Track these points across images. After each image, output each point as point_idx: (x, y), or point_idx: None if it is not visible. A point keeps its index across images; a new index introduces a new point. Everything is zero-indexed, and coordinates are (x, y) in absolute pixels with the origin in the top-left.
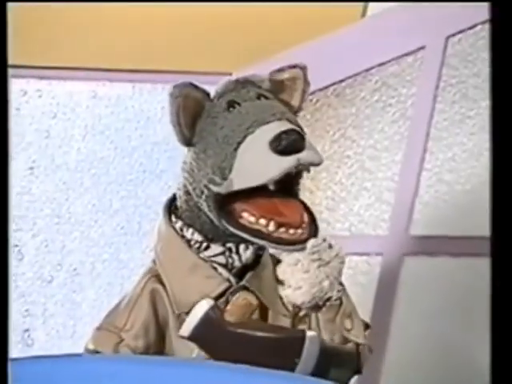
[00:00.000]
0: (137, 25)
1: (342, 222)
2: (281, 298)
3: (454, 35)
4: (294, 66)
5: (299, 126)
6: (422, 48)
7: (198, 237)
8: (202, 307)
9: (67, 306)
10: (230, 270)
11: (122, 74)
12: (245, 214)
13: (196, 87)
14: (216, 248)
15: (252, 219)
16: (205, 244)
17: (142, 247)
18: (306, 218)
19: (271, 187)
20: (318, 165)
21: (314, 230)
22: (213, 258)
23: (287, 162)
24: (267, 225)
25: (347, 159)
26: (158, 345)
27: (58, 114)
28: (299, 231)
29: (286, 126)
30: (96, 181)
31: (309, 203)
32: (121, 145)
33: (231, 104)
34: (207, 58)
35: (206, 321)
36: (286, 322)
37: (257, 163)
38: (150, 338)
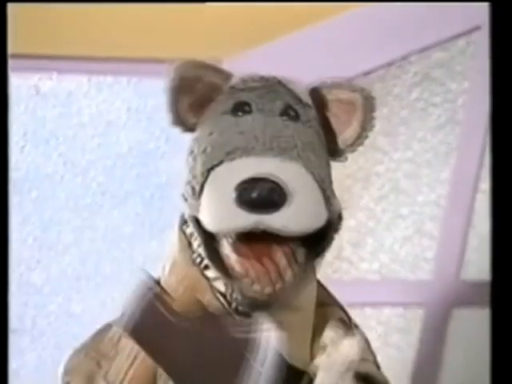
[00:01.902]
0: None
1: (370, 262)
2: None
3: None
4: (356, 90)
5: (316, 171)
6: (477, 28)
7: (202, 250)
8: (146, 295)
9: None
10: (229, 303)
11: (74, 63)
12: (226, 250)
13: (212, 68)
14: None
15: (232, 261)
16: (205, 262)
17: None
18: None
19: (229, 239)
20: (292, 234)
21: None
22: (213, 282)
23: (243, 220)
24: (242, 276)
25: (376, 177)
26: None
27: None
28: (267, 290)
29: (271, 169)
30: (38, 207)
31: None
32: (72, 158)
33: (241, 107)
34: (184, 45)
35: (149, 313)
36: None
37: (217, 206)
38: (137, 372)
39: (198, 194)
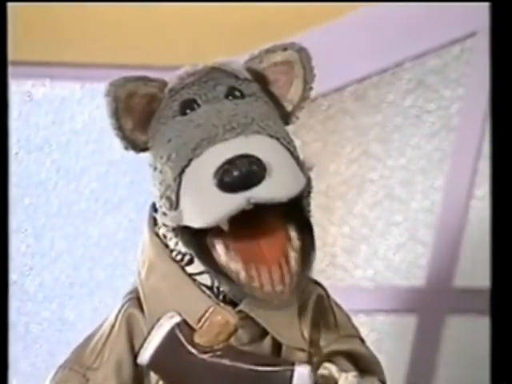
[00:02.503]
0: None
1: (364, 269)
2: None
3: None
4: (286, 47)
5: (281, 137)
6: (472, 35)
7: (181, 247)
8: (165, 325)
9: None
10: (216, 295)
11: (67, 70)
12: (218, 246)
13: (143, 79)
14: (200, 264)
15: (223, 258)
16: (188, 257)
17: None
18: (286, 267)
19: (225, 228)
20: (281, 202)
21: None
22: (196, 277)
23: (232, 201)
24: (239, 272)
25: (370, 184)
26: None
27: None
28: (278, 288)
29: (241, 147)
30: (31, 213)
31: (319, 243)
32: (65, 165)
33: (187, 105)
34: (174, 51)
35: (169, 342)
36: (301, 357)
37: (201, 199)
38: (124, 379)
39: (175, 202)
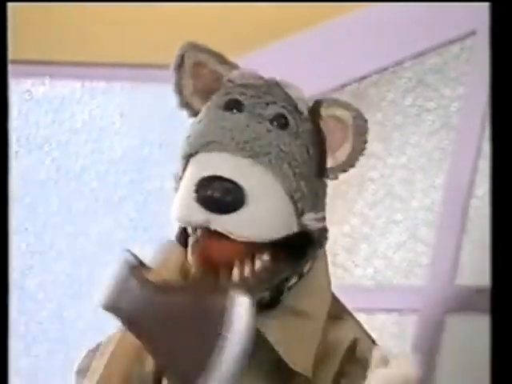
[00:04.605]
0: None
1: (364, 268)
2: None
3: None
4: (348, 108)
5: (288, 184)
6: (472, 34)
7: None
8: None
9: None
10: None
11: (67, 69)
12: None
13: (219, 56)
14: None
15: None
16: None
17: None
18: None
19: (189, 231)
20: (243, 239)
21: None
22: None
23: (197, 216)
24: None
25: (371, 183)
26: None
27: None
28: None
29: (235, 169)
30: (31, 213)
31: None
32: (65, 164)
33: (234, 105)
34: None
35: (121, 282)
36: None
37: (182, 197)
38: None
39: (179, 178)
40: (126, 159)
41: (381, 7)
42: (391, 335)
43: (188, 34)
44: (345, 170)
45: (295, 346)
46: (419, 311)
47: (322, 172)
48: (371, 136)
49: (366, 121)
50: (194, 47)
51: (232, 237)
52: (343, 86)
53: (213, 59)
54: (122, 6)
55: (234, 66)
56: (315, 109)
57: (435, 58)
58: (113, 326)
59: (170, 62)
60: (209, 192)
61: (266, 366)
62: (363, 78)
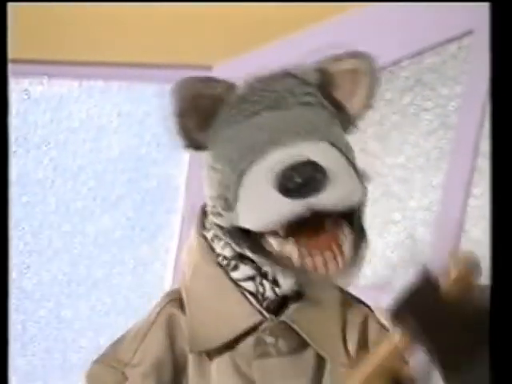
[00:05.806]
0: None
1: (362, 267)
2: (344, 345)
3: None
4: (356, 55)
5: (342, 146)
6: (469, 33)
7: (227, 252)
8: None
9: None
10: (260, 302)
11: (65, 68)
12: (270, 239)
13: (210, 81)
14: (246, 269)
15: (276, 243)
16: (233, 262)
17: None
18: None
19: (280, 232)
20: (342, 211)
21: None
22: (241, 283)
23: (293, 207)
24: (291, 254)
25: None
26: None
27: None
28: (332, 269)
29: (304, 153)
30: (29, 212)
31: None
32: (63, 163)
33: (254, 109)
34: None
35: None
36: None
37: (260, 202)
38: (163, 379)
39: (232, 203)
40: (123, 158)
41: (378, 7)
42: None
43: (187, 34)
44: (362, 118)
45: (324, 336)
46: None
47: (345, 128)
48: (369, 135)
49: (371, 59)
50: (186, 83)
51: (333, 212)
52: None
53: (206, 86)
54: (120, 6)
55: (228, 84)
56: (321, 72)
57: (433, 58)
58: (110, 325)
59: (168, 61)
60: (298, 179)
61: (306, 360)
62: None
